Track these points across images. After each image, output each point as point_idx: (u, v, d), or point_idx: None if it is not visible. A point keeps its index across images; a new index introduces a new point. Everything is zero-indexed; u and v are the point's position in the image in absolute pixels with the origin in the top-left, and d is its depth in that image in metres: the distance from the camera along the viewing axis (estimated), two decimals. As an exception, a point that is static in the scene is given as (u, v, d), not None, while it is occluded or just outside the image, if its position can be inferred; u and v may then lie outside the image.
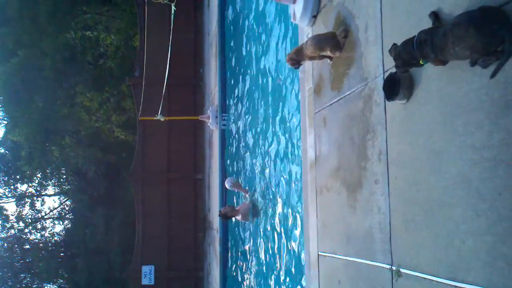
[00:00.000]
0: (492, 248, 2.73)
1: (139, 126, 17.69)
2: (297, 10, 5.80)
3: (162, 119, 14.11)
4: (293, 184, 7.33)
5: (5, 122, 29.07)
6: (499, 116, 2.69)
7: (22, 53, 23.44)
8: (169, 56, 9.53)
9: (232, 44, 12.71)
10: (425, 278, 3.33)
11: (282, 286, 7.90)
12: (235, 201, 11.54)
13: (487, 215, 2.76)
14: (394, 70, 3.70)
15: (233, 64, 12.48)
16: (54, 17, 22.09)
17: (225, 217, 10.61)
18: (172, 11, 6.54)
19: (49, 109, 24.75)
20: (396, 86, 3.55)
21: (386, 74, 3.86)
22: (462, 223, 2.97)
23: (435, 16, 3.23)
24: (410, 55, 3.15)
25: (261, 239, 9.21)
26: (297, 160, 7.06)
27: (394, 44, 3.29)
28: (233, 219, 10.70)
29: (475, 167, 2.87)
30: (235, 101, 12.18)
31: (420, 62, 3.20)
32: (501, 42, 2.64)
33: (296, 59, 5.24)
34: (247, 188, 10.43)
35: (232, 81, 12.50)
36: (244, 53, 11.19)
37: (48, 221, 31.56)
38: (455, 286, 3.02)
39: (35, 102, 24.72)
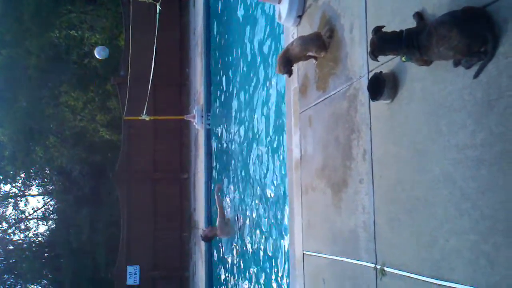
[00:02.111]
0: (474, 246, 2.75)
1: (124, 125, 17.59)
2: (282, 10, 5.81)
3: (147, 119, 14.06)
4: (277, 183, 7.34)
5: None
6: (482, 115, 2.72)
7: (6, 52, 23.23)
8: (154, 55, 9.48)
9: (217, 43, 12.70)
10: (409, 277, 3.36)
11: (268, 285, 7.92)
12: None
13: (470, 214, 2.79)
14: (378, 70, 3.73)
15: (218, 63, 12.47)
16: (38, 16, 21.91)
17: (207, 239, 10.68)
18: (157, 11, 6.50)
19: (34, 109, 24.56)
20: (380, 86, 3.57)
21: (371, 74, 3.88)
22: (446, 222, 3.00)
23: (419, 16, 3.25)
24: (394, 49, 3.15)
25: (246, 239, 9.22)
26: (282, 160, 7.08)
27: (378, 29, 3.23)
28: (217, 238, 10.75)
29: (458, 166, 2.89)
30: (220, 100, 12.17)
31: (403, 59, 3.21)
32: (484, 43, 2.67)
33: (288, 66, 5.02)
34: (226, 210, 10.42)
35: (218, 80, 12.49)
36: (229, 53, 11.18)
37: (31, 221, 31.32)
38: (439, 284, 3.04)
39: (19, 101, 24.50)
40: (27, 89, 24.04)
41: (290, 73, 5.14)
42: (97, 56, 10.51)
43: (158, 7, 6.28)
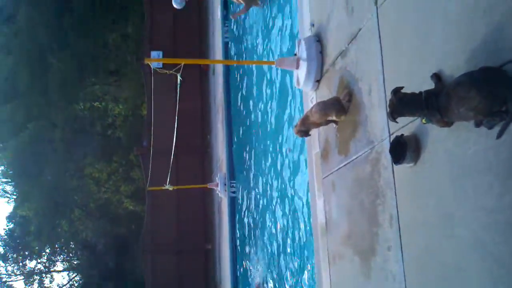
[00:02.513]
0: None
1: (147, 196, 17.64)
2: (300, 75, 5.86)
3: (170, 189, 14.05)
4: (303, 251, 7.17)
5: (14, 197, 29.12)
6: (508, 177, 2.63)
7: (32, 126, 23.79)
8: (176, 124, 9.59)
9: (238, 110, 12.83)
10: None
11: None
12: None
13: (504, 280, 2.65)
14: (399, 133, 3.68)
15: (240, 129, 12.55)
16: (63, 89, 22.56)
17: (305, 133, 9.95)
18: (179, 81, 6.60)
19: (59, 182, 24.87)
20: (402, 150, 3.51)
21: (392, 137, 3.82)
22: (480, 289, 2.85)
23: (437, 77, 3.23)
24: (413, 111, 3.10)
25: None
26: (308, 226, 6.94)
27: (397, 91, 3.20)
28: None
29: (488, 230, 2.78)
30: (243, 167, 12.16)
31: (423, 121, 3.17)
32: (504, 102, 2.61)
33: (304, 130, 5.26)
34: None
35: (240, 148, 12.53)
36: (250, 119, 11.27)
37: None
38: None
39: (44, 175, 24.86)
40: (52, 162, 24.44)
41: (307, 135, 5.44)
42: (174, 5, 10.64)
43: (179, 77, 6.38)
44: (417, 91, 3.10)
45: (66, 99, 23.56)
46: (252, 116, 11.03)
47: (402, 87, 3.17)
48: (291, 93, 7.87)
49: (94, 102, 27.36)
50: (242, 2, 9.65)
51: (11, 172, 27.73)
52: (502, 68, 2.69)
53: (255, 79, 10.75)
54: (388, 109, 3.22)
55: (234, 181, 13.03)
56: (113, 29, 24.55)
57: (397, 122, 3.32)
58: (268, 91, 9.50)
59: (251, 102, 11.29)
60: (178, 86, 6.82)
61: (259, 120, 10.33)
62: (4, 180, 29.86)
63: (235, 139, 13.10)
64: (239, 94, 12.63)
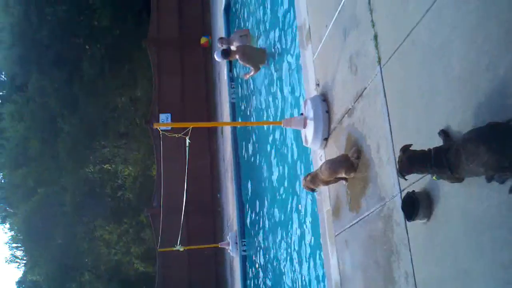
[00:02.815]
0: None
1: (158, 257, 17.47)
2: (308, 134, 5.92)
3: (181, 249, 13.94)
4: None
5: (25, 261, 28.92)
6: (524, 232, 2.61)
7: (43, 191, 23.91)
8: (185, 185, 9.63)
9: (247, 167, 12.87)
10: None
11: None
12: None
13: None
14: (411, 189, 3.68)
15: (250, 187, 12.55)
16: (74, 153, 22.79)
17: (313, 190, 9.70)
18: (187, 144, 6.68)
19: (69, 246, 24.75)
20: (415, 206, 3.50)
21: (404, 194, 3.82)
22: None
23: (445, 134, 3.26)
24: (423, 168, 3.12)
25: None
26: (322, 284, 6.82)
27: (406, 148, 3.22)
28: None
29: (507, 286, 2.73)
30: (254, 225, 12.08)
31: (434, 178, 3.18)
32: (514, 157, 2.63)
33: (313, 187, 5.34)
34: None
35: (250, 206, 12.49)
36: (259, 176, 11.28)
37: None
38: None
39: (54, 239, 24.79)
40: (62, 226, 24.41)
41: (314, 191, 5.67)
42: (216, 58, 10.84)
43: (187, 140, 6.46)
44: (426, 148, 3.13)
45: (76, 162, 23.77)
46: (262, 174, 11.05)
47: (410, 145, 3.19)
48: (299, 151, 7.92)
49: (104, 165, 27.57)
50: (248, 65, 9.88)
51: (21, 237, 27.65)
52: (509, 124, 2.72)
53: (263, 137, 10.83)
54: (397, 167, 3.23)
55: (245, 240, 12.91)
56: (122, 92, 25.04)
57: (406, 179, 3.33)
58: (277, 149, 9.56)
59: (260, 160, 11.34)
60: (187, 149, 6.89)
61: (269, 178, 10.34)
62: (15, 245, 29.75)
63: (245, 197, 13.07)
64: (248, 152, 12.70)
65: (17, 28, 21.38)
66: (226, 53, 10.16)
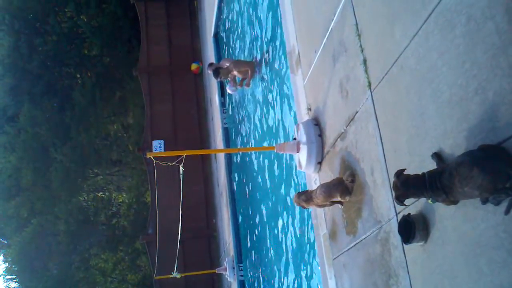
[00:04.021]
0: None
1: (155, 284, 17.30)
2: (301, 158, 5.94)
3: (178, 276, 13.80)
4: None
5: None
6: (521, 253, 2.63)
7: (36, 221, 23.73)
8: (180, 211, 9.60)
9: (242, 192, 12.85)
10: None
11: None
12: None
13: None
14: (406, 211, 3.70)
15: (245, 212, 12.51)
16: (67, 182, 22.70)
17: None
18: (181, 172, 6.68)
19: (64, 275, 24.48)
20: (411, 229, 3.51)
21: (399, 216, 3.83)
22: None
23: (438, 157, 3.29)
24: (418, 193, 3.13)
25: None
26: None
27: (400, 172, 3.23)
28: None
29: (508, 308, 2.74)
30: (250, 250, 12.02)
31: (429, 201, 3.20)
32: (507, 179, 2.65)
33: (305, 207, 5.37)
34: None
35: (246, 230, 12.44)
36: (255, 201, 11.27)
37: None
38: None
39: (49, 269, 24.53)
40: (57, 255, 24.20)
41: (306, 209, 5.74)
42: (228, 91, 10.95)
43: (181, 168, 6.46)
44: (419, 170, 3.16)
45: (69, 191, 23.66)
46: (257, 198, 11.04)
47: (404, 169, 3.22)
48: (293, 175, 7.93)
49: (97, 193, 27.46)
50: (244, 68, 9.85)
51: (15, 268, 27.33)
52: (501, 146, 2.75)
53: (256, 161, 10.85)
54: (393, 193, 3.25)
55: (242, 264, 12.84)
56: (114, 120, 25.05)
57: (405, 205, 3.35)
58: (271, 173, 9.56)
59: (254, 184, 11.33)
60: (181, 177, 6.89)
61: (264, 201, 10.33)
62: (9, 277, 29.37)
63: (241, 222, 13.03)
64: (242, 176, 12.70)
65: (8, 59, 21.42)
66: (216, 71, 10.15)
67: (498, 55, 2.73)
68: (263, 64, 9.36)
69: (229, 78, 10.36)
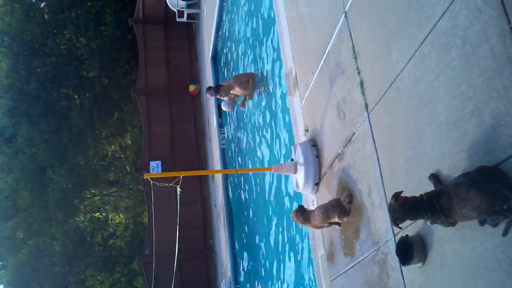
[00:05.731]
0: None
1: (152, 306, 17.13)
2: (299, 179, 5.94)
3: (175, 298, 13.70)
4: None
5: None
6: (520, 275, 2.62)
7: (33, 242, 23.58)
8: (177, 232, 9.56)
9: (239, 213, 12.81)
10: None
11: None
12: None
13: None
14: (404, 233, 3.69)
15: (243, 233, 12.46)
16: (63, 203, 22.61)
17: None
18: (178, 193, 6.68)
19: (60, 299, 24.25)
20: (409, 250, 3.50)
21: (397, 238, 3.83)
22: None
23: (435, 178, 3.29)
24: (417, 215, 3.13)
25: None
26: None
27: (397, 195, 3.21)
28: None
29: (507, 331, 2.72)
30: (248, 272, 11.95)
31: (428, 223, 3.19)
32: (505, 200, 2.66)
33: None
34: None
35: (244, 251, 12.38)
36: (251, 222, 11.23)
37: None
38: None
39: (45, 291, 24.31)
40: (53, 277, 24.01)
41: None
42: (224, 108, 10.88)
43: (178, 189, 6.46)
44: (416, 192, 3.16)
45: (66, 212, 23.53)
46: (254, 219, 11.01)
47: (401, 192, 3.21)
48: (291, 196, 7.92)
49: (94, 213, 27.33)
50: (243, 88, 9.81)
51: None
52: (498, 167, 2.76)
53: (254, 182, 10.84)
54: (390, 215, 3.23)
55: (239, 286, 12.74)
56: (111, 140, 25.04)
57: (400, 228, 3.33)
58: (269, 193, 9.55)
59: (252, 205, 11.31)
60: (178, 197, 6.88)
61: (261, 223, 10.29)
62: (4, 299, 29.11)
63: (239, 243, 12.97)
64: (240, 197, 12.67)
65: (6, 80, 21.51)
66: (217, 88, 10.11)
67: (493, 77, 2.76)
68: (261, 86, 9.41)
69: (227, 98, 10.38)
